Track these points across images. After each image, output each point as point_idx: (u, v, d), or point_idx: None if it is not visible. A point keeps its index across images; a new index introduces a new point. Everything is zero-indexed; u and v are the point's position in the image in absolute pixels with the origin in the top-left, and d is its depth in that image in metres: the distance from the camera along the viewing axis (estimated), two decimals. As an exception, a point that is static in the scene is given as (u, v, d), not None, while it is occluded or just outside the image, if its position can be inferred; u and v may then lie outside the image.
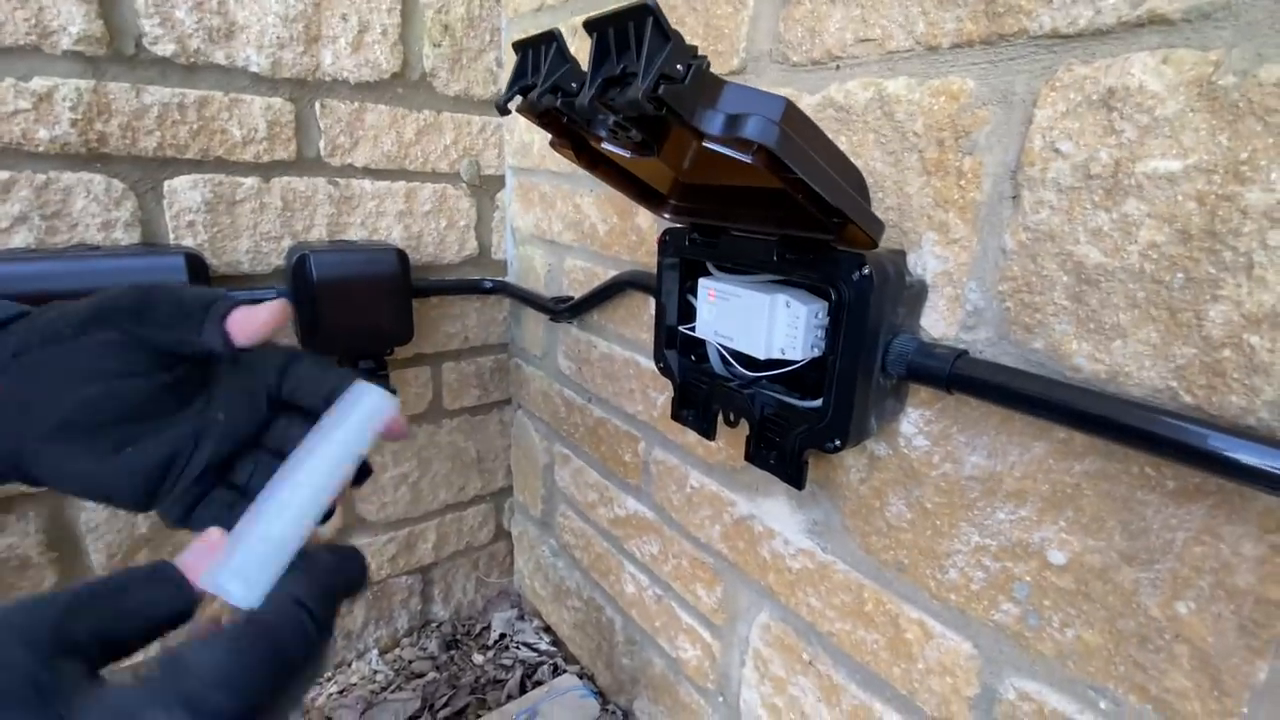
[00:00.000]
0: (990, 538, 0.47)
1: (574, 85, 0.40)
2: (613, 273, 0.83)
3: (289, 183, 0.86)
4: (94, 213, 0.75)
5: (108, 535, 0.83)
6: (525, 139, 0.98)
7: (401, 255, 0.88)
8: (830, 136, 0.46)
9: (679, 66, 0.32)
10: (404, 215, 0.97)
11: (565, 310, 0.91)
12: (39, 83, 0.69)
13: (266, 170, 0.84)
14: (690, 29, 0.64)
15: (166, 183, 0.78)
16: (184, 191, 0.79)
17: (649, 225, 0.77)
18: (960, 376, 0.42)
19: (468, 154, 1.01)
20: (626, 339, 0.84)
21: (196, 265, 0.73)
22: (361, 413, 0.32)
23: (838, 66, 0.52)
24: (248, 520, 0.29)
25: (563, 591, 1.12)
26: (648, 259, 0.78)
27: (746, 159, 0.34)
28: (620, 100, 0.33)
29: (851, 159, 0.45)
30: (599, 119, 0.41)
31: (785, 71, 0.56)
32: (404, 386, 1.04)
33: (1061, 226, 0.40)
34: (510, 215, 1.07)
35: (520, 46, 0.42)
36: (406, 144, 0.94)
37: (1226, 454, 0.31)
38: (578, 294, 0.90)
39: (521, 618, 1.23)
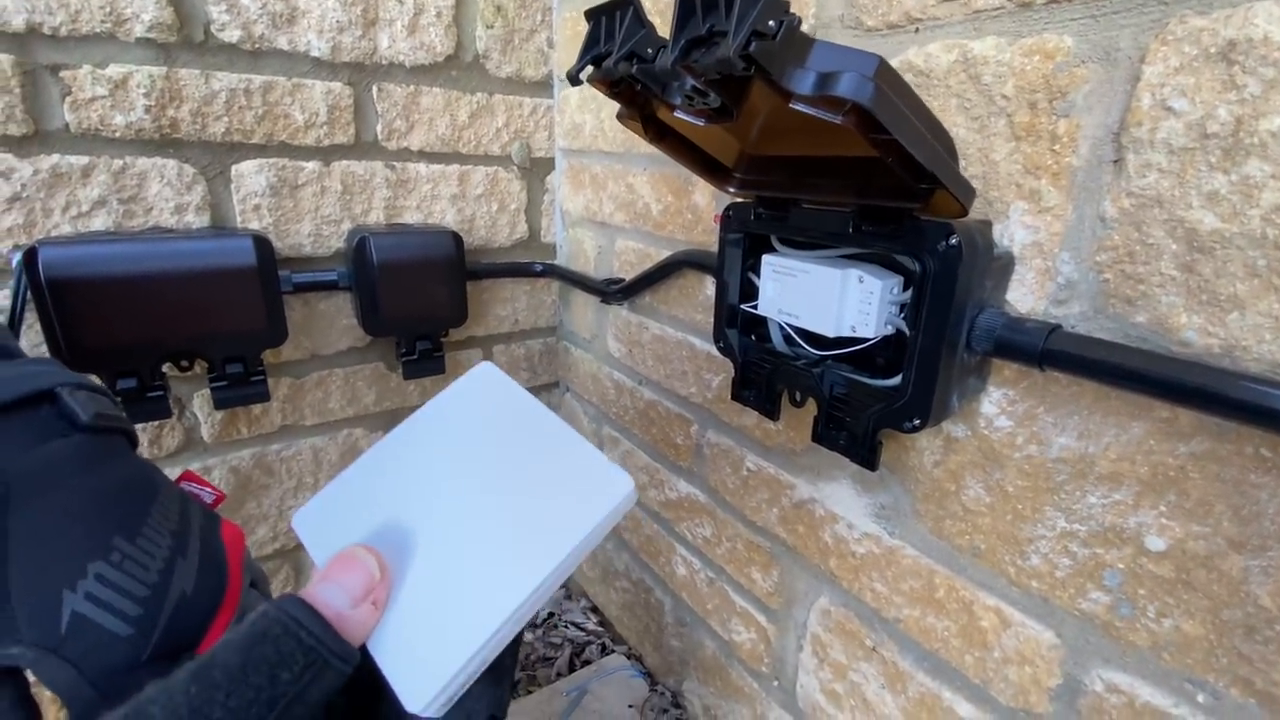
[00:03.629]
0: (1079, 523, 0.45)
1: (650, 51, 0.39)
2: (666, 253, 0.82)
3: (348, 166, 0.87)
4: (167, 197, 0.77)
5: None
6: (576, 120, 0.98)
7: (457, 238, 0.89)
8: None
9: (770, 23, 0.30)
10: (457, 199, 0.97)
11: (617, 292, 0.90)
12: (115, 70, 0.72)
13: (327, 154, 0.86)
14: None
15: (234, 167, 0.80)
16: (250, 176, 0.81)
17: (705, 204, 0.75)
18: (1055, 352, 0.40)
19: (519, 136, 1.01)
20: (680, 320, 0.84)
21: (264, 247, 0.75)
22: (615, 506, 0.28)
23: (917, 29, 0.49)
24: (450, 601, 0.26)
25: (611, 573, 1.13)
26: (703, 238, 0.77)
27: (837, 119, 0.33)
28: (706, 60, 0.32)
29: (936, 124, 0.42)
30: (675, 85, 0.40)
31: (858, 36, 0.54)
32: (457, 369, 1.05)
33: (1172, 191, 0.38)
34: (560, 198, 1.07)
35: (593, 14, 0.41)
36: (460, 127, 0.95)
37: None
38: (629, 276, 0.90)
39: (569, 597, 1.24)
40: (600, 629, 1.16)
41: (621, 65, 0.39)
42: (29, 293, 0.67)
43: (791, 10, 0.32)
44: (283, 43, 0.79)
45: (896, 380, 0.48)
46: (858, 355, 0.52)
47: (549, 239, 1.09)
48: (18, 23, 0.66)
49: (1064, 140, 0.42)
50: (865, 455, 0.50)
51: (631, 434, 0.99)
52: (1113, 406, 0.42)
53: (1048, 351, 0.40)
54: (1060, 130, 0.42)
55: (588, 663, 1.07)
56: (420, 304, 0.89)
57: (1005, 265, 0.45)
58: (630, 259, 0.91)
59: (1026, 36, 0.43)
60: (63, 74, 0.70)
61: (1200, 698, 0.41)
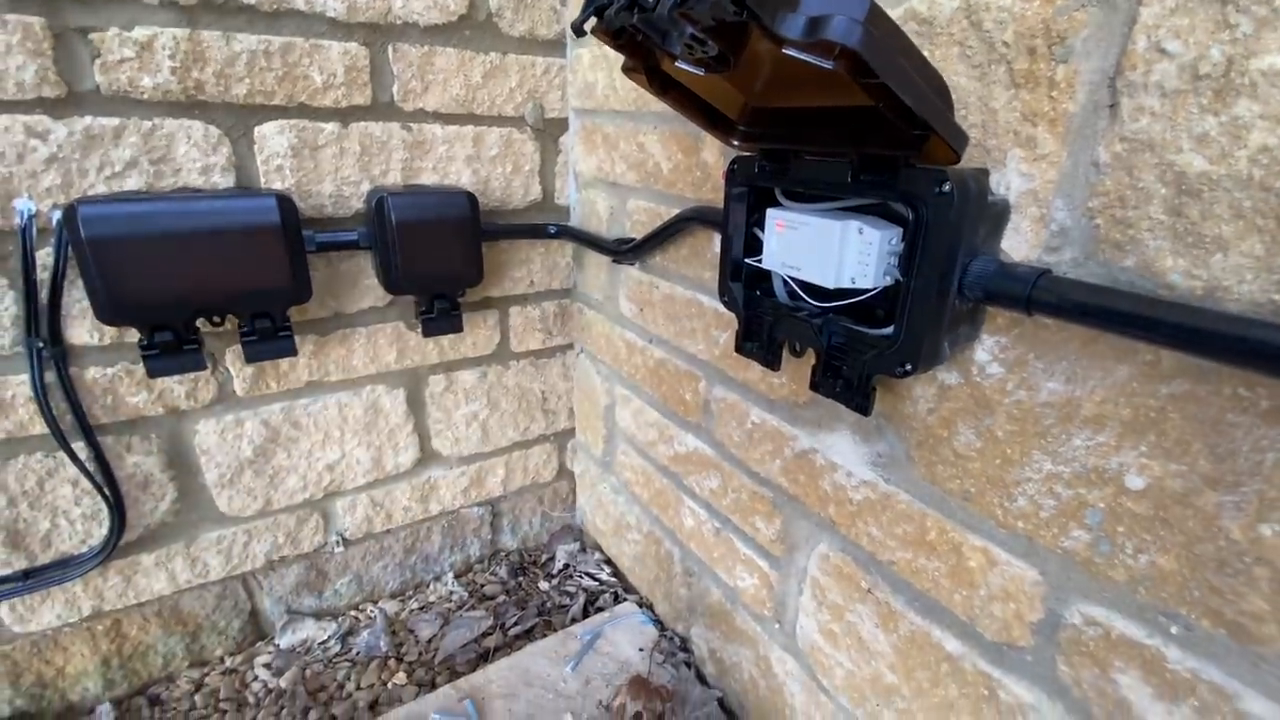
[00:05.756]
0: (1064, 465, 0.46)
1: (650, 1, 0.40)
2: (677, 211, 0.83)
3: (365, 128, 0.89)
4: (195, 158, 0.80)
5: (218, 456, 0.93)
6: (588, 79, 0.98)
7: (472, 198, 0.91)
8: (911, 50, 0.44)
9: (761, -32, 0.31)
10: (472, 160, 0.99)
11: (628, 251, 0.92)
12: (140, 32, 0.74)
13: (345, 115, 0.88)
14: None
15: (257, 129, 0.83)
16: (272, 137, 0.84)
17: (714, 160, 0.76)
18: (1042, 296, 0.41)
19: (532, 97, 1.01)
20: (689, 279, 0.85)
21: (287, 205, 0.78)
22: None
23: (921, -23, 0.49)
24: None
25: (623, 525, 1.17)
26: (712, 195, 0.78)
27: (828, 65, 0.34)
28: (700, 7, 0.34)
29: (933, 72, 0.43)
30: (674, 34, 0.41)
31: (863, -13, 0.54)
32: (475, 329, 1.09)
33: (1163, 134, 0.38)
34: (573, 159, 1.08)
35: (596, -35, 0.42)
36: (474, 87, 0.96)
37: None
38: (640, 236, 0.91)
39: (583, 550, 1.29)
40: (613, 579, 1.21)
41: (622, 15, 0.40)
42: (70, 249, 0.71)
43: (783, -45, 0.33)
44: (299, 3, 0.81)
45: (891, 329, 0.49)
46: (858, 307, 0.54)
47: (562, 200, 1.11)
48: (48, -14, 0.69)
49: (1062, 86, 0.42)
50: (860, 401, 0.52)
51: (642, 391, 1.02)
52: (1099, 350, 0.43)
53: (1035, 296, 0.41)
54: (1059, 76, 0.42)
55: (601, 610, 1.12)
56: (437, 263, 0.92)
57: (1000, 213, 0.46)
58: (641, 219, 0.93)
59: (1028, -19, 0.43)
60: (91, 36, 0.72)
61: (1173, 629, 0.43)
